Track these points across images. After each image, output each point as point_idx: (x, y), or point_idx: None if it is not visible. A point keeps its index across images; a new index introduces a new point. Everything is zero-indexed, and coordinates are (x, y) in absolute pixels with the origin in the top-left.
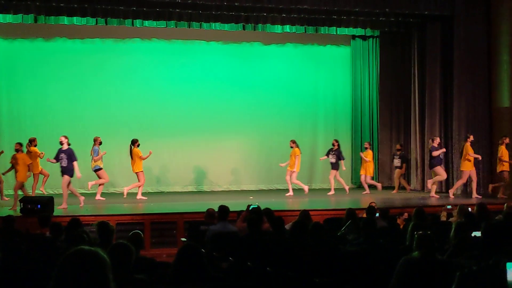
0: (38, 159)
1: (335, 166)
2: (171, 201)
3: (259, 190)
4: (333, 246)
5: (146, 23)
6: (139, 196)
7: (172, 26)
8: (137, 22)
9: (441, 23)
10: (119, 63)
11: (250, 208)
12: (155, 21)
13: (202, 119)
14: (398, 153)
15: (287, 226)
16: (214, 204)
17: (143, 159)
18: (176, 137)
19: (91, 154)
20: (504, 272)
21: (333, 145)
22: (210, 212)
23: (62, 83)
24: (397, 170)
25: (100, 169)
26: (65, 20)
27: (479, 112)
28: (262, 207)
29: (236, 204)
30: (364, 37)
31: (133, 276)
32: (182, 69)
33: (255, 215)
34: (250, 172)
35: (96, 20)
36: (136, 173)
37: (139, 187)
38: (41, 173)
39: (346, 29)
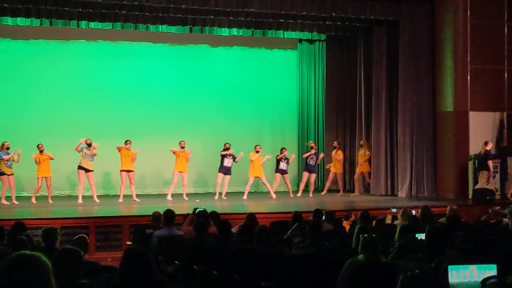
0: (49, 163)
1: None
2: (116, 204)
3: (205, 193)
4: (279, 249)
5: (92, 24)
6: (134, 198)
7: (118, 28)
8: (83, 24)
9: (387, 27)
10: (64, 64)
11: (197, 211)
12: (101, 23)
13: (146, 121)
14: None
15: (233, 229)
16: (160, 207)
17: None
18: (118, 139)
19: None
20: (446, 275)
21: (227, 148)
22: (155, 215)
23: (4, 84)
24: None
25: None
26: (8, 20)
27: (423, 116)
28: (209, 210)
29: (182, 207)
30: (310, 41)
31: (77, 281)
32: (128, 70)
33: (201, 218)
34: (196, 175)
35: (41, 21)
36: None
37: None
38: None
39: (293, 32)
